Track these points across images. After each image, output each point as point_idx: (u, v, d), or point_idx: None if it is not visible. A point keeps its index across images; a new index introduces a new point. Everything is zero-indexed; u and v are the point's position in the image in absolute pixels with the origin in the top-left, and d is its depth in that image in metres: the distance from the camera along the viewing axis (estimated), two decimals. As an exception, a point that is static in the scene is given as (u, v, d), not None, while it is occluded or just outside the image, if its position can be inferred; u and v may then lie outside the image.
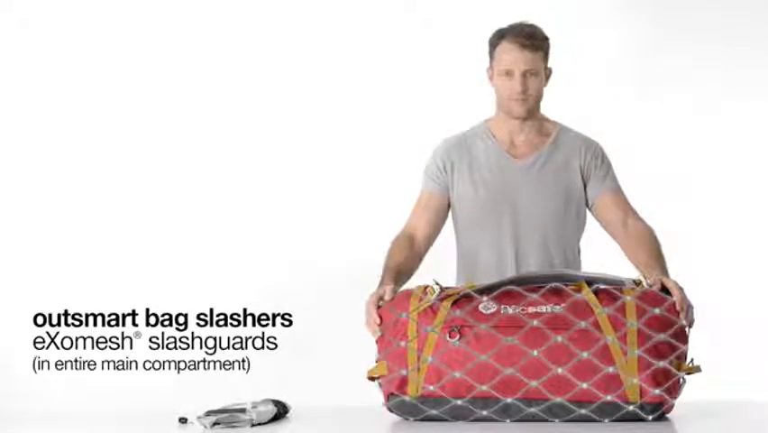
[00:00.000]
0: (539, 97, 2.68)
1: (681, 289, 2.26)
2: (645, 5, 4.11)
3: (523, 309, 2.22)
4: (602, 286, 2.24)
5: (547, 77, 2.68)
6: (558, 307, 2.21)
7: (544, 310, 2.22)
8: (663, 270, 2.47)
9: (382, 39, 4.10)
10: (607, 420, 2.16)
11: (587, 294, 2.22)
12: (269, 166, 4.09)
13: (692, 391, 2.33)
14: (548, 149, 2.68)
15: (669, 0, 4.11)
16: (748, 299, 3.91)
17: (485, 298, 2.24)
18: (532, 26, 2.67)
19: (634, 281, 2.28)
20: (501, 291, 2.25)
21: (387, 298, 2.33)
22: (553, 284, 2.25)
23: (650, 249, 2.55)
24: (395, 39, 4.09)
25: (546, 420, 2.18)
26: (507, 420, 2.19)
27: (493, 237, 2.66)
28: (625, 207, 2.67)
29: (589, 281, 2.25)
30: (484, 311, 2.23)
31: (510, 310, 2.21)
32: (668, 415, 2.21)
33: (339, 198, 4.04)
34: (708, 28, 4.04)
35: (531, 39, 2.63)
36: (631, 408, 2.16)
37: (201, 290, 4.03)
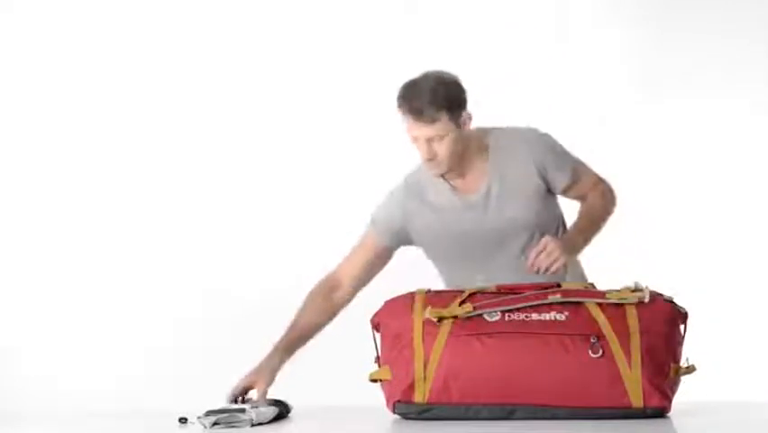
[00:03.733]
0: (454, 153, 2.57)
1: (550, 243, 2.40)
2: (646, 4, 4.10)
3: (527, 316, 2.24)
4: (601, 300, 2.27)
5: (464, 123, 2.58)
6: (561, 314, 2.24)
7: (548, 318, 2.23)
8: (579, 228, 2.59)
9: (381, 41, 4.10)
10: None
11: (588, 302, 2.24)
12: (268, 167, 4.09)
13: (692, 390, 2.34)
14: (492, 173, 2.62)
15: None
16: (748, 299, 3.91)
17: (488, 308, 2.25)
18: (428, 90, 2.53)
19: (636, 285, 2.30)
20: (503, 299, 2.27)
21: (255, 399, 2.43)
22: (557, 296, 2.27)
23: (586, 211, 2.65)
24: (394, 41, 4.09)
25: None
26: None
27: (471, 271, 2.64)
28: (585, 185, 2.68)
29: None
30: (488, 319, 2.25)
31: (514, 317, 2.23)
32: (667, 414, 2.22)
33: (339, 199, 4.04)
34: (709, 27, 4.04)
35: (422, 113, 2.51)
36: (635, 412, 2.17)
37: (200, 291, 4.03)
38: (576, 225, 2.62)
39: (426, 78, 2.57)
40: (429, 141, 2.54)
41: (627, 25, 4.08)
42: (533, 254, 2.43)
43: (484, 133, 2.67)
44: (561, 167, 2.65)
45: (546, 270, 2.42)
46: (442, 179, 2.65)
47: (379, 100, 4.07)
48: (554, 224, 2.71)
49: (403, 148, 3.88)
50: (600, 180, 2.70)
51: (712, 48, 4.02)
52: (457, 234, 2.64)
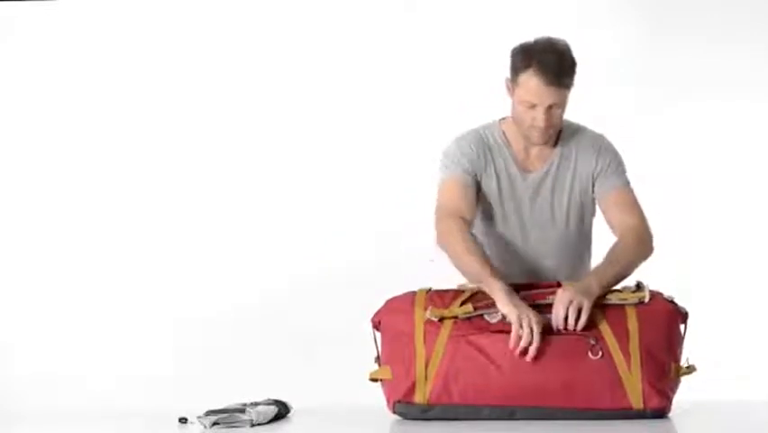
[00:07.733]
0: (560, 124, 2.52)
1: (571, 304, 2.21)
2: (645, 5, 4.10)
3: None
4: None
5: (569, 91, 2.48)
6: None
7: (548, 319, 2.23)
8: (600, 277, 2.32)
9: (381, 39, 4.09)
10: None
11: None
12: (269, 166, 4.09)
13: (692, 390, 2.34)
14: (558, 159, 2.56)
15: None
16: (748, 299, 3.91)
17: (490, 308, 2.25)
18: (561, 54, 2.41)
19: (637, 285, 2.31)
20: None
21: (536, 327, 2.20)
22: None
23: (610, 254, 2.41)
24: (394, 39, 4.08)
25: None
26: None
27: (505, 243, 2.58)
28: (624, 210, 2.52)
29: None
30: (489, 320, 2.25)
31: None
32: (668, 414, 2.22)
33: (340, 199, 4.04)
34: (709, 28, 4.04)
35: (560, 75, 2.39)
36: (634, 414, 2.17)
37: (201, 290, 4.03)
38: (601, 274, 2.35)
39: (554, 41, 2.42)
40: (550, 108, 2.42)
41: (627, 25, 4.08)
42: (561, 322, 2.23)
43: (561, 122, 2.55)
44: (612, 176, 2.54)
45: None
46: (508, 149, 2.55)
47: (379, 100, 4.10)
48: (587, 245, 2.64)
49: (402, 148, 3.91)
50: (642, 221, 2.51)
51: (712, 48, 4.01)
52: (506, 201, 2.55)
